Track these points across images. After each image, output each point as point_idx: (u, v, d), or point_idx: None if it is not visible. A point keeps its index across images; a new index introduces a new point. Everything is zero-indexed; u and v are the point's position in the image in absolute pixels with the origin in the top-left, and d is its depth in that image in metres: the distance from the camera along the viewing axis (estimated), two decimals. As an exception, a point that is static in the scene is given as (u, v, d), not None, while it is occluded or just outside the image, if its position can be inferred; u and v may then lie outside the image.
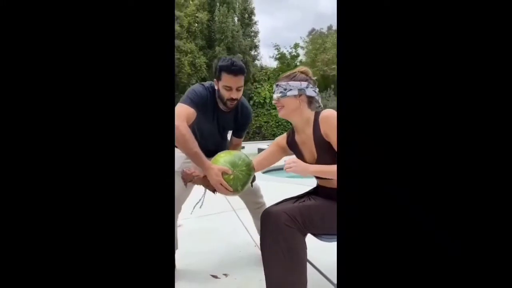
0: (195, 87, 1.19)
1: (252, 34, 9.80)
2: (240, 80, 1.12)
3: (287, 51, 11.05)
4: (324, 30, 12.77)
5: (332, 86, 8.74)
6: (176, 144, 1.03)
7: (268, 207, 0.98)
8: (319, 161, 0.94)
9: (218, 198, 1.33)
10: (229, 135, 1.35)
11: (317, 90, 1.00)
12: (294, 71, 1.00)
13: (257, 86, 9.43)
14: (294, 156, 0.92)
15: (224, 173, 0.96)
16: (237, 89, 1.13)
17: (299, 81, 0.96)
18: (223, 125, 1.27)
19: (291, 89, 0.95)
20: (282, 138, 1.10)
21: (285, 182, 3.44)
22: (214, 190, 1.04)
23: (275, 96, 0.98)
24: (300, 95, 0.96)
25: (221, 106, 1.20)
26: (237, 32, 8.56)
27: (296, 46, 11.17)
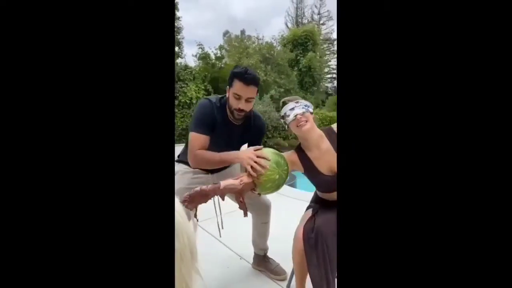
0: (200, 106, 1.19)
1: (175, 30, 9.28)
2: (251, 91, 1.11)
3: (212, 51, 11.01)
4: (238, 33, 13.41)
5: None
6: (202, 167, 1.12)
7: (315, 226, 1.05)
8: None
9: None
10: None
11: None
12: (295, 97, 1.15)
13: (182, 85, 9.02)
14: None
15: (266, 171, 0.98)
16: (247, 100, 1.12)
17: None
18: (234, 139, 1.24)
19: (309, 107, 1.10)
20: (292, 155, 1.17)
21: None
22: (245, 213, 1.08)
23: (299, 111, 1.07)
24: (311, 113, 1.11)
25: (230, 117, 1.19)
26: (159, 26, 7.96)
27: (221, 47, 11.25)
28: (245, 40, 12.42)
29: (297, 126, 1.08)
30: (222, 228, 1.26)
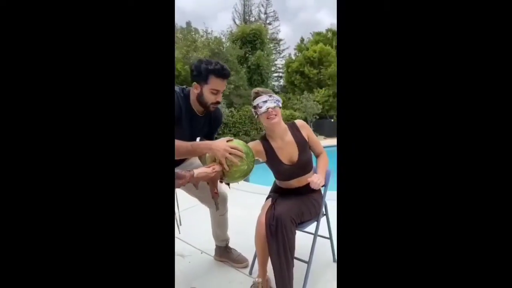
0: None
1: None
2: (225, 84, 1.19)
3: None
4: (183, 25, 12.92)
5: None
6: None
7: (275, 213, 1.13)
8: (300, 158, 1.25)
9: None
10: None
11: None
12: (267, 90, 1.26)
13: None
14: (314, 175, 1.15)
15: (239, 160, 1.05)
16: (221, 92, 1.20)
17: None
18: (197, 130, 1.28)
19: (279, 101, 1.23)
20: (257, 144, 1.29)
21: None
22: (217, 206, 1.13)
23: (271, 105, 1.19)
24: (280, 107, 1.25)
25: (196, 109, 1.23)
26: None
27: (167, 39, 10.68)
28: (193, 33, 12.00)
29: (267, 118, 1.21)
30: (180, 224, 1.27)
